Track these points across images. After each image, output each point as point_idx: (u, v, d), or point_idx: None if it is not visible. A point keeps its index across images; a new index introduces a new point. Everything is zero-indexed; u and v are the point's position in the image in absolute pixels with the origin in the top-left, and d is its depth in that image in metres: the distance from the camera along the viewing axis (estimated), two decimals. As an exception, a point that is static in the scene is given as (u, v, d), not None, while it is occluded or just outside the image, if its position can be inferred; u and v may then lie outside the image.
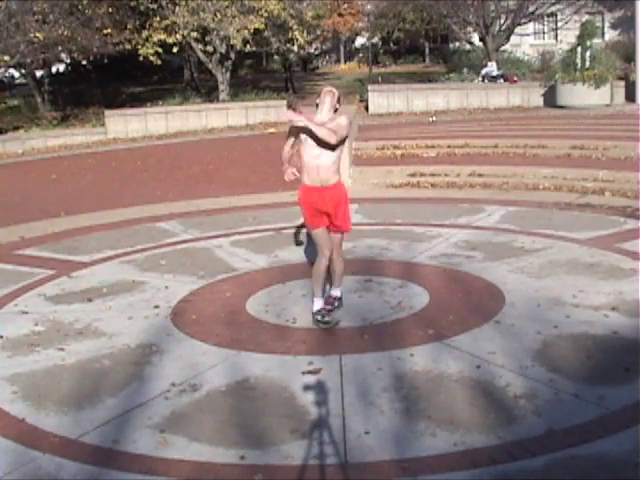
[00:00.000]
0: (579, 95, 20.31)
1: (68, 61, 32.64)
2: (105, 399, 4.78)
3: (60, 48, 23.19)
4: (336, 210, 5.85)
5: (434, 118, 19.15)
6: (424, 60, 44.68)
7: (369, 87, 24.12)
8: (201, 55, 25.67)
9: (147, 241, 9.03)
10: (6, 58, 21.03)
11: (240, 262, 7.93)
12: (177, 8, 23.87)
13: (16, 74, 30.50)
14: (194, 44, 24.91)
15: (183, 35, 23.99)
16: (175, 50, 24.86)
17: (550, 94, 21.60)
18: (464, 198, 10.69)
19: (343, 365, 5.12)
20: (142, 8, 24.01)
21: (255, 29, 23.84)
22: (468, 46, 30.01)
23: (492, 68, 24.01)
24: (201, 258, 8.16)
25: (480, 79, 24.16)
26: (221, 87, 25.34)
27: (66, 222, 10.42)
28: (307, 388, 4.76)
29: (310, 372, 5.03)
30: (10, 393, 4.95)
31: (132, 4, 24.04)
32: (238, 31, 23.55)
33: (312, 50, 47.16)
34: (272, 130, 20.70)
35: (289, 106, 5.97)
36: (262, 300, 6.61)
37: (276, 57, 38.98)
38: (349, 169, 12.23)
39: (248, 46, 24.83)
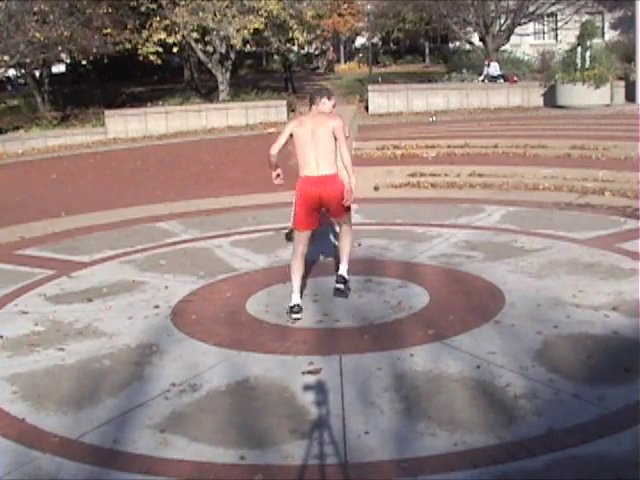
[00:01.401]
0: (579, 95, 20.31)
1: (68, 61, 32.64)
2: (105, 399, 4.78)
3: (60, 48, 23.18)
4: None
5: (434, 118, 19.15)
6: (424, 60, 44.68)
7: (369, 87, 24.12)
8: (201, 55, 25.67)
9: (147, 241, 9.03)
10: (6, 58, 21.03)
11: (240, 262, 7.93)
12: (177, 8, 23.87)
13: (17, 74, 30.52)
14: (194, 44, 24.91)
15: (183, 35, 23.99)
16: (175, 50, 24.87)
17: (550, 94, 21.60)
18: (464, 198, 10.69)
19: (343, 365, 5.12)
20: (142, 8, 24.01)
21: (255, 29, 23.83)
22: (468, 46, 30.00)
23: (495, 68, 23.99)
24: (201, 258, 8.17)
25: (481, 79, 24.15)
26: (221, 87, 25.34)
27: (66, 222, 10.42)
28: (307, 388, 4.76)
29: (310, 372, 5.03)
30: (10, 393, 4.95)
31: (132, 4, 24.04)
32: (238, 31, 23.55)
33: (312, 50, 47.06)
34: (272, 130, 20.68)
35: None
36: (262, 300, 6.61)
37: (276, 57, 38.97)
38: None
39: (248, 46, 24.83)
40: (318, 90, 6.67)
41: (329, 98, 6.38)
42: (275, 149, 6.30)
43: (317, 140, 6.09)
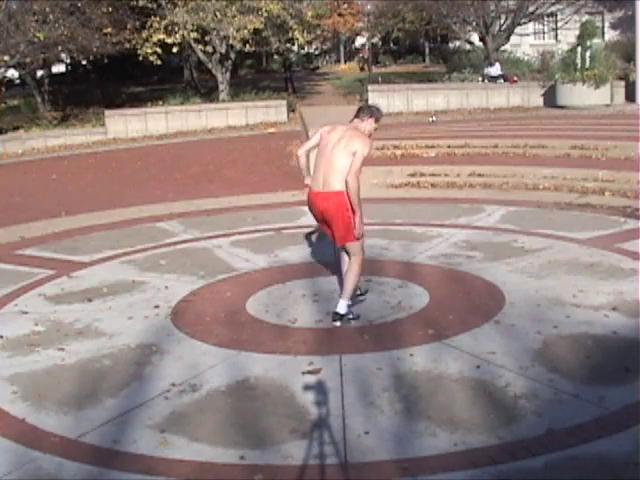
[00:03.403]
0: (579, 95, 20.30)
1: (68, 61, 32.64)
2: (105, 399, 4.78)
3: (60, 48, 23.20)
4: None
5: (434, 118, 19.14)
6: (424, 60, 44.69)
7: (369, 87, 24.12)
8: (201, 55, 25.67)
9: (147, 241, 9.03)
10: (6, 58, 21.05)
11: (240, 262, 7.93)
12: (177, 8, 23.88)
13: (16, 74, 30.49)
14: (194, 44, 24.91)
15: (183, 35, 24.00)
16: (175, 50, 24.88)
17: (550, 94, 21.60)
18: (464, 198, 10.69)
19: (343, 365, 5.12)
20: (140, 3, 23.97)
21: (255, 29, 23.84)
22: (468, 46, 30.01)
23: (496, 68, 23.97)
24: (201, 258, 8.16)
25: (480, 79, 24.16)
26: (221, 87, 25.35)
27: (66, 222, 10.42)
28: (307, 388, 4.76)
29: (310, 372, 5.03)
30: (10, 393, 4.95)
31: (132, 4, 24.05)
32: (238, 31, 23.56)
33: (312, 50, 46.91)
34: (272, 130, 20.72)
35: None
36: (262, 300, 6.61)
37: (276, 57, 38.97)
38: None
39: (248, 46, 24.84)
40: (370, 106, 6.12)
41: (376, 120, 5.90)
42: (302, 149, 6.06)
43: (335, 154, 5.66)
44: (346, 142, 5.67)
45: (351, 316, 5.90)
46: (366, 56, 40.38)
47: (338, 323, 5.86)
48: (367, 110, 5.94)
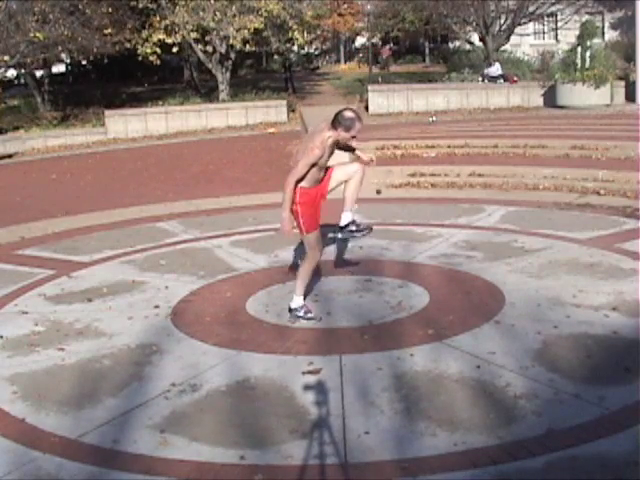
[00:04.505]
0: (579, 95, 20.31)
1: (68, 61, 32.65)
2: (105, 399, 4.78)
3: (60, 48, 23.22)
4: None
5: (434, 118, 19.15)
6: (424, 60, 44.67)
7: (369, 87, 24.12)
8: (201, 55, 25.67)
9: (147, 241, 9.03)
10: (6, 58, 21.07)
11: (240, 262, 7.93)
12: (177, 8, 23.88)
13: (16, 74, 30.52)
14: (194, 44, 24.92)
15: (183, 35, 24.00)
16: (175, 50, 24.89)
17: (550, 94, 21.61)
18: (464, 198, 10.70)
19: (343, 365, 5.12)
20: (141, 5, 23.99)
21: (255, 29, 23.85)
22: (468, 46, 30.01)
23: (497, 68, 23.97)
24: (201, 258, 8.17)
25: (480, 79, 24.16)
26: (221, 87, 25.35)
27: (66, 222, 10.43)
28: (307, 388, 4.76)
29: (310, 372, 5.03)
30: (10, 393, 4.95)
31: (132, 4, 24.05)
32: (238, 31, 23.57)
33: (312, 50, 46.83)
34: (272, 130, 20.72)
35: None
36: (262, 300, 6.61)
37: (276, 57, 38.94)
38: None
39: (248, 46, 24.85)
40: (341, 116, 5.64)
41: (345, 130, 5.62)
42: None
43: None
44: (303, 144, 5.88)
45: (301, 313, 5.96)
46: (385, 56, 40.26)
47: (288, 315, 6.04)
48: (335, 120, 5.65)
